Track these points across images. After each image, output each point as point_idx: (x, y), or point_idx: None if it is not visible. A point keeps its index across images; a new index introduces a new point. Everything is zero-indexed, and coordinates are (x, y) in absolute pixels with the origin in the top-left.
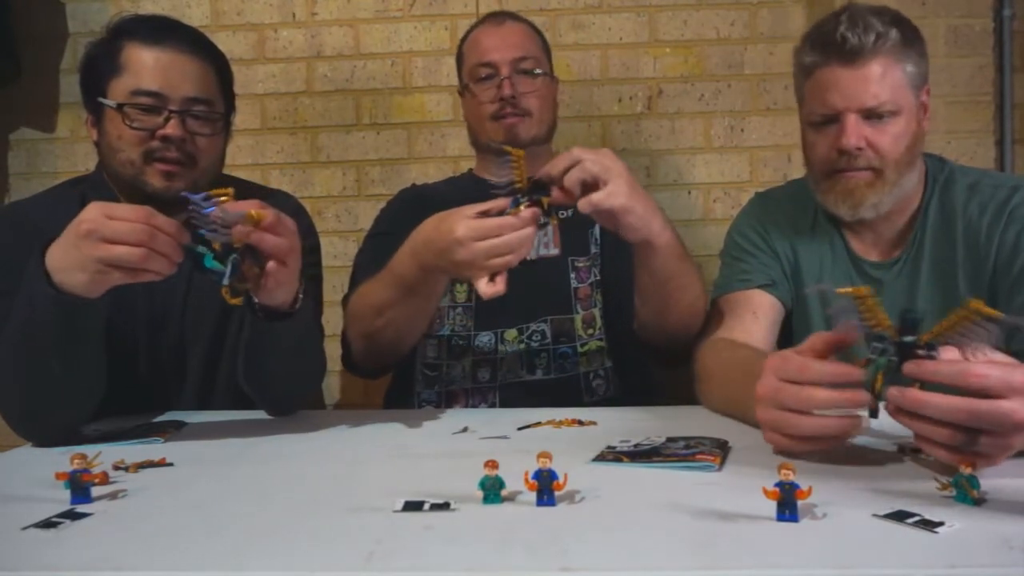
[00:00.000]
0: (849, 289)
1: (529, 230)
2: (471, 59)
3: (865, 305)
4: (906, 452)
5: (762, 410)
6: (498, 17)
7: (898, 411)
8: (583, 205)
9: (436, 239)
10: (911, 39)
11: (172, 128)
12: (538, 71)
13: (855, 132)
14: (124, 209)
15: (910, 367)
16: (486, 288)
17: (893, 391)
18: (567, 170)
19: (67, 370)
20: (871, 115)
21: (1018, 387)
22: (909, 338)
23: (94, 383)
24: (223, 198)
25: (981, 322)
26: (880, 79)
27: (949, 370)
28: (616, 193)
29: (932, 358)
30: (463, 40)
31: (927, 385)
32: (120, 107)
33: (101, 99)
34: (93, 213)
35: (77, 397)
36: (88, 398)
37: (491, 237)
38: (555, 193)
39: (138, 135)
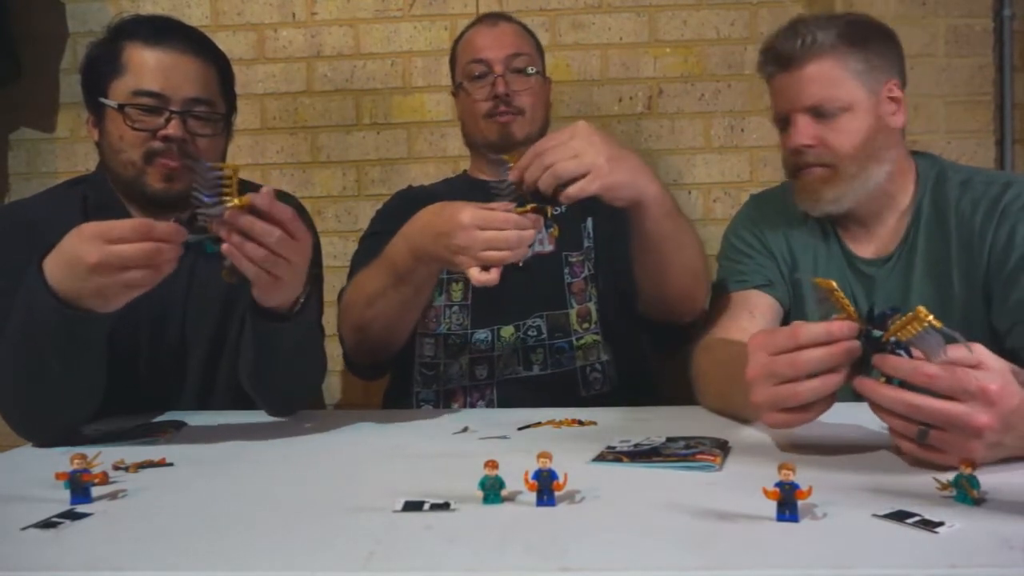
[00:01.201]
0: (818, 280)
1: (530, 232)
2: (464, 57)
3: (834, 297)
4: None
5: (757, 391)
6: (492, 18)
7: (868, 401)
8: (565, 199)
9: (436, 223)
10: (857, 38)
11: (173, 128)
12: (531, 70)
13: (801, 131)
14: (122, 229)
15: (877, 360)
16: (479, 275)
17: (856, 382)
18: (538, 179)
19: (69, 373)
20: (818, 113)
21: (973, 391)
22: (877, 333)
23: (96, 384)
24: (227, 173)
25: (928, 328)
26: (816, 79)
27: (905, 367)
28: (592, 180)
29: (898, 355)
30: (457, 41)
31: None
32: (121, 107)
33: (102, 99)
34: (93, 244)
35: (78, 398)
36: (89, 399)
37: (494, 229)
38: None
39: (139, 136)
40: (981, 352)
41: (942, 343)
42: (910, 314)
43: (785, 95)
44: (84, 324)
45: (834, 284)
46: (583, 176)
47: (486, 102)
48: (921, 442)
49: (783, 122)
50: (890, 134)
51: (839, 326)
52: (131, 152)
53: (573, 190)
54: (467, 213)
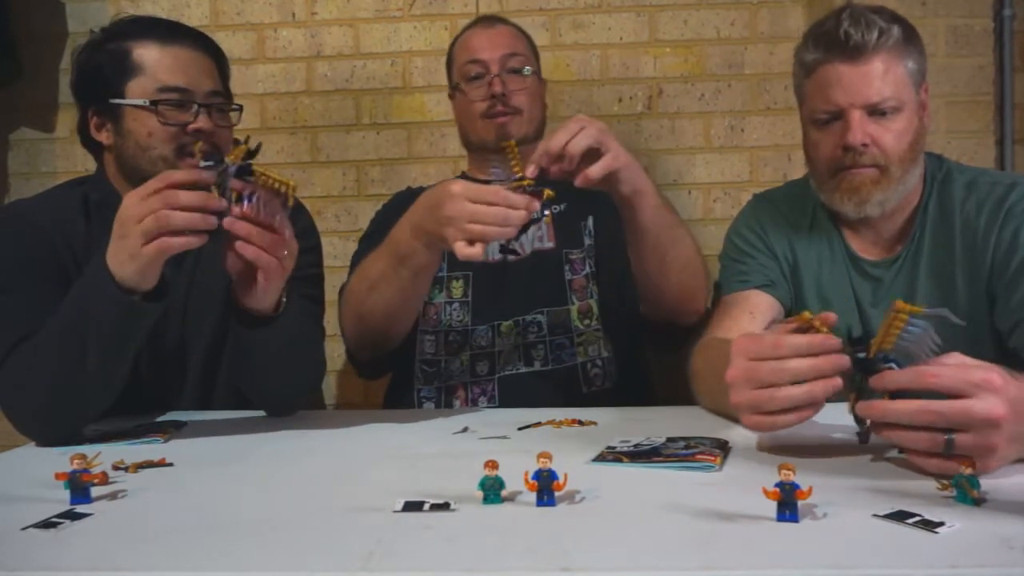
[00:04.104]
0: (796, 317)
1: (521, 213)
2: (461, 58)
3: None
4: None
5: (735, 393)
6: (487, 20)
7: (879, 426)
8: (595, 171)
9: (431, 196)
10: (911, 37)
11: (203, 121)
12: (527, 69)
13: (860, 128)
14: (150, 183)
15: (875, 381)
16: (463, 248)
17: (860, 406)
18: (567, 143)
19: (106, 371)
20: (875, 112)
21: (979, 383)
22: (860, 354)
23: (119, 384)
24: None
25: (911, 319)
26: (883, 76)
27: (907, 376)
28: (618, 154)
29: (891, 369)
30: (453, 43)
31: (914, 396)
32: (154, 104)
33: (122, 100)
34: (129, 200)
35: (103, 398)
36: (110, 398)
37: (484, 203)
38: (555, 169)
39: (169, 131)
40: (958, 356)
41: (929, 331)
42: (889, 315)
43: (843, 87)
44: (133, 312)
45: (807, 315)
46: (606, 149)
47: (483, 102)
48: (949, 453)
49: (831, 116)
50: (925, 136)
51: (821, 338)
52: (162, 148)
53: (598, 168)
54: (459, 185)
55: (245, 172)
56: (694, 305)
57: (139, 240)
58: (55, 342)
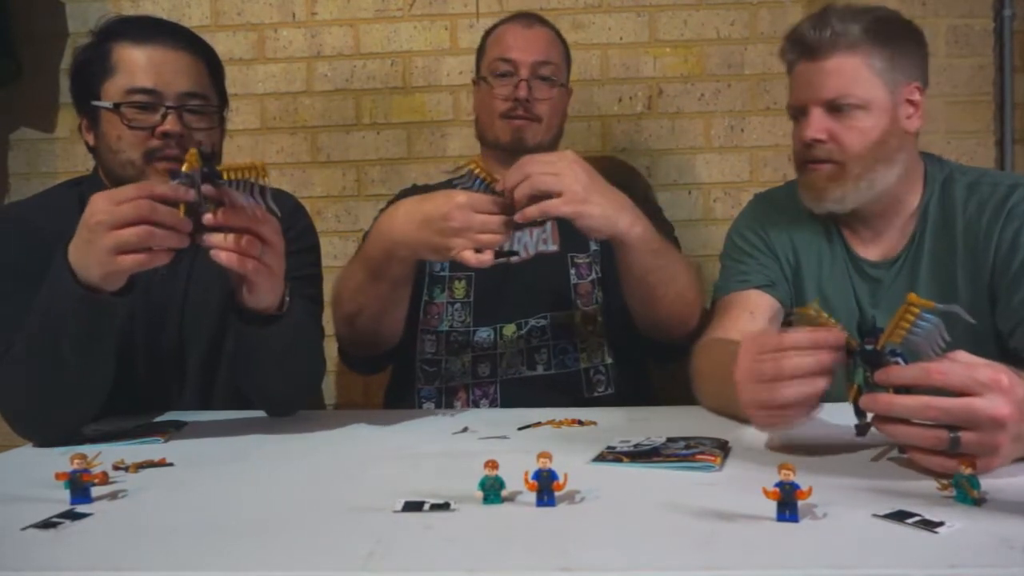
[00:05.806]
0: (799, 309)
1: (511, 218)
2: (493, 52)
3: (822, 319)
4: (906, 451)
5: (742, 391)
6: (528, 18)
7: (881, 421)
8: (531, 213)
9: (423, 209)
10: (885, 35)
11: (170, 124)
12: (555, 79)
13: (815, 124)
14: (127, 190)
15: (880, 375)
16: (475, 257)
17: (865, 399)
18: (517, 185)
19: (82, 366)
20: (834, 108)
21: (987, 383)
22: (868, 347)
23: (106, 382)
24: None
25: (922, 314)
26: (837, 73)
27: (913, 372)
28: (565, 202)
29: (897, 363)
30: (488, 32)
31: (919, 392)
32: (117, 107)
33: (95, 102)
34: (101, 204)
35: (89, 395)
36: (98, 396)
37: (487, 212)
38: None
39: (137, 135)
40: (965, 355)
41: (939, 326)
42: (900, 308)
43: (804, 85)
44: (99, 309)
45: (811, 309)
46: (558, 195)
47: (505, 102)
48: (954, 451)
49: (798, 113)
50: (904, 137)
51: (824, 334)
52: (130, 152)
53: (544, 205)
54: (461, 196)
55: (214, 177)
56: (682, 329)
57: (111, 250)
58: (33, 343)
